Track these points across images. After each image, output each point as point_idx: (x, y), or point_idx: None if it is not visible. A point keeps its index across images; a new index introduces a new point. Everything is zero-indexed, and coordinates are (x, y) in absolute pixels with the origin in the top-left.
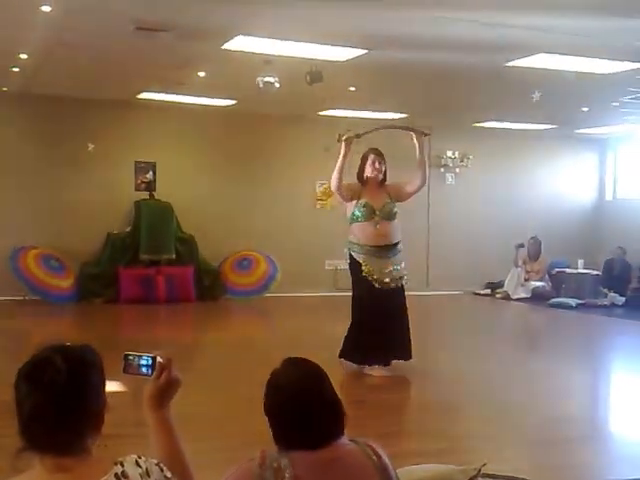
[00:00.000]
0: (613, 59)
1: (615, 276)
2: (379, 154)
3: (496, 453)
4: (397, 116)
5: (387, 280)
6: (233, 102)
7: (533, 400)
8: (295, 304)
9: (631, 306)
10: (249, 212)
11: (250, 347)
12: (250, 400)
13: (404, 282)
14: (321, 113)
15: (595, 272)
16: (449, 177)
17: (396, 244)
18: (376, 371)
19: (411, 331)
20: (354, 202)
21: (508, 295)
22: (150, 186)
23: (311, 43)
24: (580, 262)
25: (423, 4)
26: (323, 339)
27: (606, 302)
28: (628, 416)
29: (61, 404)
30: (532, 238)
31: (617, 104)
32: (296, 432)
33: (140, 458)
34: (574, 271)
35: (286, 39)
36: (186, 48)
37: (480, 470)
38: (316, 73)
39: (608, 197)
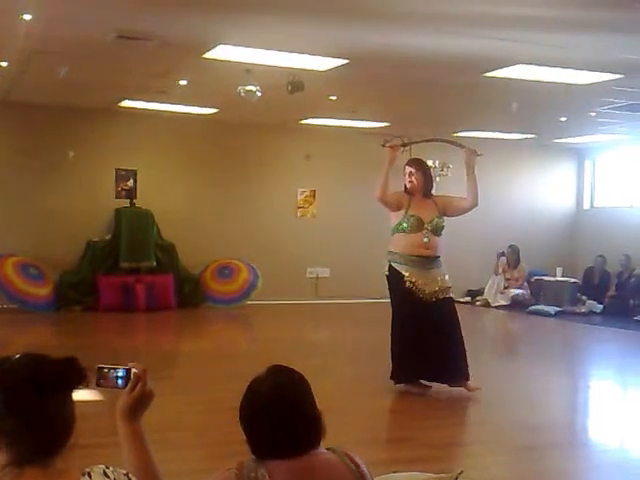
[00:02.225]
0: (590, 70)
1: (595, 284)
2: (414, 164)
3: (475, 460)
4: (378, 125)
5: (432, 291)
6: (215, 110)
7: (512, 407)
8: (276, 312)
9: (609, 313)
10: (230, 220)
11: (230, 355)
12: (230, 409)
13: (451, 294)
14: (302, 122)
15: (573, 280)
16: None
17: (439, 257)
18: (420, 388)
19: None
20: (400, 212)
21: (488, 302)
22: (131, 194)
23: (292, 53)
24: (558, 270)
25: (402, 16)
26: (304, 347)
27: (584, 310)
28: (606, 423)
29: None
30: (510, 246)
31: (594, 114)
32: (270, 440)
33: (108, 468)
34: (552, 279)
35: (267, 49)
36: (167, 57)
37: (457, 478)
38: (297, 82)
39: (586, 206)
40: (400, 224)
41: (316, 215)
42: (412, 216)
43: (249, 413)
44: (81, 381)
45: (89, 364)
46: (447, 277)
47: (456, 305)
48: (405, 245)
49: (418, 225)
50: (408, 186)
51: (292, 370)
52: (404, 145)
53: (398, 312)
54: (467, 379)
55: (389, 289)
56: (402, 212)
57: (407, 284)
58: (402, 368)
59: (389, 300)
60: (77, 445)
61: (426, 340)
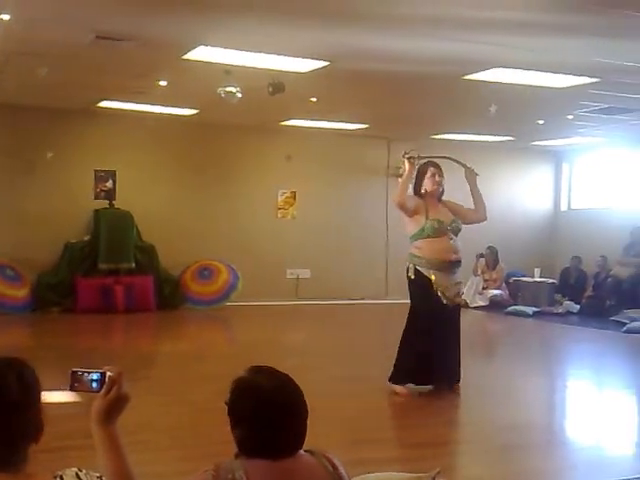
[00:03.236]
0: (567, 74)
1: (571, 285)
2: (438, 167)
3: (453, 460)
4: (358, 127)
5: (453, 295)
6: (195, 111)
7: (490, 407)
8: (256, 313)
9: (585, 314)
10: (210, 221)
11: (210, 357)
12: (208, 410)
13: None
14: (282, 123)
15: (551, 280)
16: (409, 187)
17: (460, 261)
18: (423, 391)
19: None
20: (416, 218)
21: (467, 303)
22: (110, 195)
23: (273, 54)
24: (536, 271)
25: (382, 18)
26: (284, 348)
27: (561, 310)
28: (583, 422)
29: None
30: (489, 248)
31: (571, 117)
32: (263, 437)
33: (81, 471)
34: (530, 280)
35: (248, 50)
36: (147, 57)
37: (434, 478)
38: (278, 84)
39: (563, 207)
40: (423, 230)
41: (296, 216)
42: (434, 220)
43: (245, 410)
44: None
45: (66, 366)
46: (462, 281)
47: None
48: (434, 251)
49: (441, 229)
50: (431, 188)
51: (281, 372)
52: (420, 158)
53: (420, 315)
54: (459, 381)
55: (412, 292)
56: (420, 217)
57: (434, 287)
58: (409, 369)
59: (409, 302)
60: (51, 448)
61: (445, 344)
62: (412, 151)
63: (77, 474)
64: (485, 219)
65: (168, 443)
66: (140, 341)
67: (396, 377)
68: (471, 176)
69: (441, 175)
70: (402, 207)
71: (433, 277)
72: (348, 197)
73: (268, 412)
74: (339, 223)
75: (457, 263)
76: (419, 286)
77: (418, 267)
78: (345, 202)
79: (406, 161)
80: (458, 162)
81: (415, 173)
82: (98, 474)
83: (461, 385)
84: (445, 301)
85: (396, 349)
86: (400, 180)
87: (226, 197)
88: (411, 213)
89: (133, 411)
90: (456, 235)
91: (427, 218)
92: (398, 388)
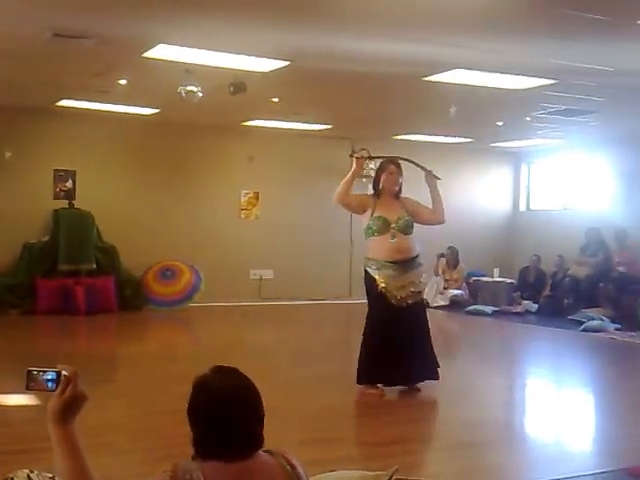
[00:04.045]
0: (525, 75)
1: (531, 283)
2: (397, 165)
3: (413, 458)
4: (321, 127)
5: (403, 296)
6: (156, 110)
7: (451, 405)
8: (219, 314)
9: (544, 313)
10: (172, 221)
11: (172, 358)
12: (170, 412)
13: (423, 297)
14: (245, 123)
15: (510, 280)
16: (371, 187)
17: (414, 258)
18: (392, 392)
19: (434, 347)
20: (368, 215)
21: (428, 303)
22: (69, 195)
23: (234, 54)
24: (495, 271)
25: (344, 18)
26: (247, 349)
27: (520, 309)
28: (541, 419)
29: None
30: (449, 248)
31: (530, 119)
32: (217, 438)
33: (32, 472)
34: (490, 279)
35: (208, 49)
36: (106, 55)
37: (392, 475)
38: (239, 83)
39: (522, 208)
40: (369, 227)
41: (259, 217)
42: (378, 217)
43: (200, 411)
44: None
45: (24, 369)
46: (422, 279)
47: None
48: (378, 251)
49: (384, 226)
50: (387, 185)
51: (241, 372)
52: (369, 158)
53: (371, 316)
54: (437, 377)
55: (366, 293)
56: (369, 214)
57: (379, 288)
58: (366, 370)
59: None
60: (7, 451)
61: (395, 344)
62: (361, 151)
63: (29, 476)
64: (442, 222)
65: (130, 445)
66: (102, 343)
67: (359, 377)
68: (431, 180)
69: (400, 173)
70: (341, 203)
71: (377, 277)
72: (311, 198)
73: (221, 412)
74: (303, 224)
75: (405, 262)
76: (368, 287)
77: (367, 268)
78: (308, 203)
79: (354, 161)
80: (415, 164)
81: (373, 172)
82: (50, 475)
83: (430, 384)
84: (394, 301)
85: (355, 346)
86: (344, 178)
87: (188, 197)
88: (358, 209)
89: (95, 413)
90: (405, 233)
91: (372, 215)
92: (368, 388)
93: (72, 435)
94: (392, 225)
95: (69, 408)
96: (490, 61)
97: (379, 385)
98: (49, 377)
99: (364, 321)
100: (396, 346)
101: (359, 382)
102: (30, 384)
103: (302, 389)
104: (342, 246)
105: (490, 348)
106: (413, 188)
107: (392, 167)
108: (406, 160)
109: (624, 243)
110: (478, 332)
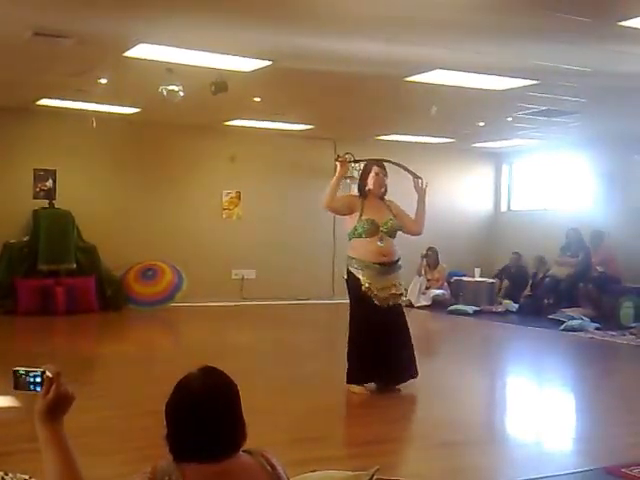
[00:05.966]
0: (507, 76)
1: (512, 278)
2: (382, 167)
3: (394, 458)
4: (302, 127)
5: (386, 296)
6: (137, 110)
7: (432, 404)
8: (201, 314)
9: (524, 312)
10: (154, 221)
11: (154, 359)
12: (152, 412)
13: (403, 300)
14: (226, 123)
15: (491, 280)
16: (354, 188)
17: (397, 261)
18: (375, 392)
19: (414, 348)
20: (354, 217)
21: (411, 303)
22: (49, 194)
23: (215, 53)
24: (477, 270)
25: (325, 18)
26: (229, 349)
27: (501, 309)
28: (520, 419)
29: None
30: (430, 248)
31: (511, 119)
32: (196, 441)
33: (7, 475)
34: (471, 279)
35: (190, 48)
36: (86, 55)
37: (373, 475)
38: (221, 83)
39: (503, 208)
40: (356, 229)
41: (241, 217)
42: (367, 220)
43: (177, 411)
44: None
45: (4, 371)
46: (402, 283)
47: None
48: (364, 252)
49: (373, 229)
50: (373, 186)
51: (222, 371)
52: (354, 162)
53: (354, 316)
54: (416, 374)
55: (348, 293)
56: (356, 216)
57: (363, 288)
58: (357, 370)
59: (348, 302)
60: None
61: (378, 344)
62: (346, 154)
63: (3, 478)
64: (420, 233)
65: (111, 446)
66: (83, 344)
67: (348, 377)
68: (420, 189)
69: (385, 175)
70: (329, 208)
71: (362, 278)
72: (294, 198)
73: (197, 412)
74: (285, 224)
75: (389, 265)
76: (351, 287)
77: (350, 267)
78: (291, 203)
79: (338, 165)
80: (403, 167)
81: (357, 174)
82: (27, 476)
83: (412, 383)
84: (376, 301)
85: (341, 345)
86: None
87: (170, 197)
88: (346, 211)
89: (77, 414)
90: (391, 236)
91: (360, 217)
92: (355, 388)
93: (59, 434)
94: (381, 228)
95: (54, 408)
96: (471, 62)
97: (365, 385)
98: (33, 379)
99: (344, 321)
100: (382, 346)
101: (349, 382)
102: (17, 385)
103: (284, 389)
104: (325, 246)
105: (471, 348)
106: (401, 194)
107: (377, 168)
108: (390, 162)
109: (599, 244)
110: (459, 332)
